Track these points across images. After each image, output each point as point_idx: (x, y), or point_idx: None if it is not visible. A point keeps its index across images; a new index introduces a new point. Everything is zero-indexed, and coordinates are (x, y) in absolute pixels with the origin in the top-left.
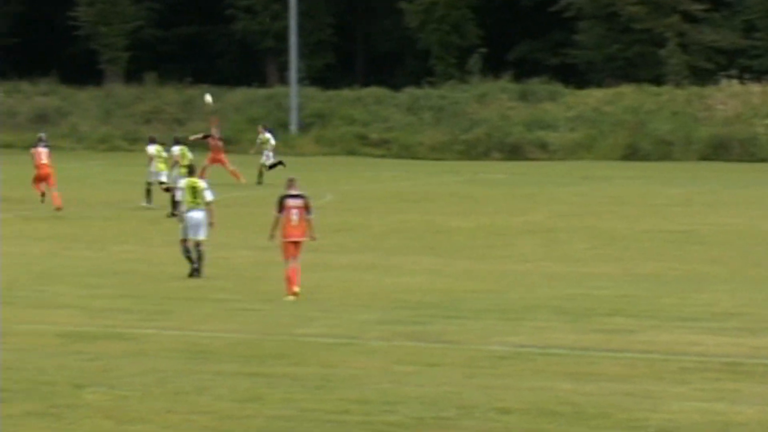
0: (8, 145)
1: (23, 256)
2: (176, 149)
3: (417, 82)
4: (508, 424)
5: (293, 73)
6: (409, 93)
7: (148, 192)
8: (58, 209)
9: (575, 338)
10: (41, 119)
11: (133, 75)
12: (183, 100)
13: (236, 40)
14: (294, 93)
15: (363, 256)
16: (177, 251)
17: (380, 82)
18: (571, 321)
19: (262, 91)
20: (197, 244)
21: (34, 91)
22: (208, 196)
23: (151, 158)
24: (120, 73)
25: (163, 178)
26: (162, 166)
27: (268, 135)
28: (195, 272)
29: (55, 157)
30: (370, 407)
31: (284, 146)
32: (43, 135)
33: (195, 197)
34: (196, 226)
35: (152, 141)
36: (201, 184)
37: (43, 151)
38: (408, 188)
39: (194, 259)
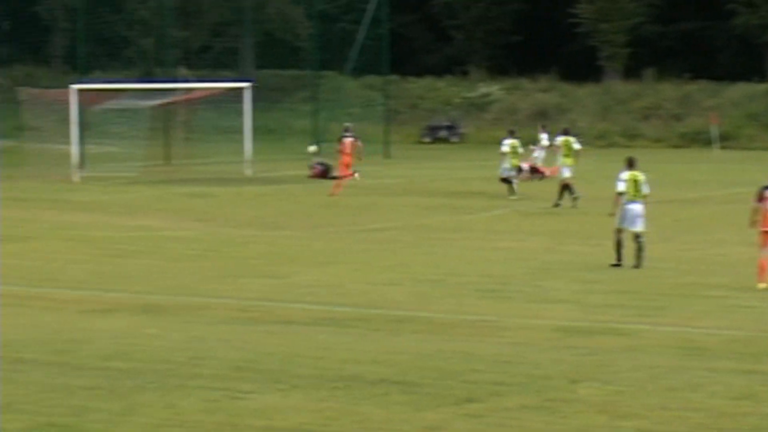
0: None
1: (520, 251)
2: (559, 139)
3: None
4: None
5: None
6: None
7: (508, 184)
8: (332, 195)
9: None
10: (540, 115)
11: (631, 71)
12: (681, 95)
13: (736, 35)
14: None
15: None
16: (670, 248)
17: None
18: None
19: (761, 87)
20: (636, 236)
21: (534, 88)
22: (646, 189)
23: (504, 153)
24: (618, 69)
25: (511, 173)
26: (515, 161)
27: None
28: (617, 264)
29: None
30: None
31: None
32: (349, 125)
33: (636, 190)
34: (635, 217)
35: (511, 134)
36: (641, 177)
37: (348, 141)
38: None
39: (635, 251)
